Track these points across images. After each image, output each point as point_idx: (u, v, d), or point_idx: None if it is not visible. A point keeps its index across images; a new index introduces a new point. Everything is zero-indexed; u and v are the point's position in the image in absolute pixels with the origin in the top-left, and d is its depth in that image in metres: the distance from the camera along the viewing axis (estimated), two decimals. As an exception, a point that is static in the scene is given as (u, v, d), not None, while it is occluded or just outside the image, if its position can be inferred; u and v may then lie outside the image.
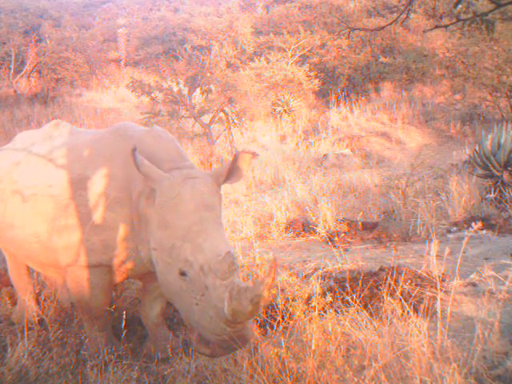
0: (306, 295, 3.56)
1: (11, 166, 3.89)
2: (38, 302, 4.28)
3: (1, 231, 3.92)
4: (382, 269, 4.37)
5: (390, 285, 3.54)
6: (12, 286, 4.69)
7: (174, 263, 2.95)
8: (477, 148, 7.50)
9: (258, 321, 3.55)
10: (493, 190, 6.84)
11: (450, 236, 5.95)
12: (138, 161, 3.04)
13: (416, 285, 3.92)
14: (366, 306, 3.62)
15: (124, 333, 3.48)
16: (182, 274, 2.91)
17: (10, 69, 19.73)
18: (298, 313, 3.23)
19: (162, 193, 3.05)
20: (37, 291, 4.47)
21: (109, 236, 3.33)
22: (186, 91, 13.65)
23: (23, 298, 4.23)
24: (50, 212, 3.50)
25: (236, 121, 14.00)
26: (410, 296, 3.57)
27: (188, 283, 2.90)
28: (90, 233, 3.34)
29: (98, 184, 3.37)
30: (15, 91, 19.02)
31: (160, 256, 3.06)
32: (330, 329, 3.10)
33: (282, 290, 4.06)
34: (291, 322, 3.23)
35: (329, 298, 3.27)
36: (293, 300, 3.46)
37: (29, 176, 3.72)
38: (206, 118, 13.93)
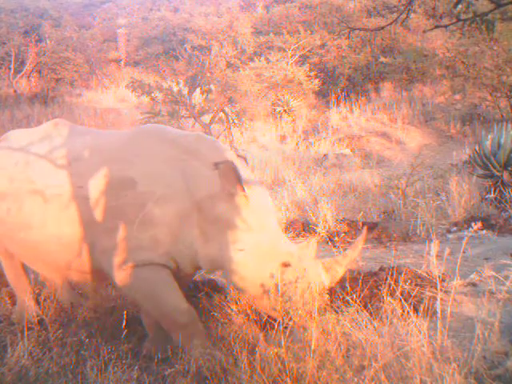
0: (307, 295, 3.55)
1: (23, 165, 3.79)
2: (37, 302, 4.27)
3: (10, 231, 3.82)
4: (382, 269, 4.37)
5: (389, 285, 3.54)
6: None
7: (273, 258, 3.28)
8: (477, 148, 7.50)
9: (258, 321, 3.55)
10: (493, 190, 6.84)
11: (450, 236, 5.95)
12: (240, 173, 3.27)
13: (416, 285, 3.92)
14: (365, 306, 3.61)
15: (124, 333, 3.48)
16: (286, 265, 3.26)
17: (9, 69, 19.74)
18: (298, 313, 3.23)
19: (257, 197, 3.37)
20: (36, 291, 4.47)
21: (158, 232, 3.35)
22: (186, 91, 13.64)
23: (23, 299, 4.22)
24: (84, 214, 3.45)
25: (236, 121, 13.99)
26: (410, 296, 3.57)
27: (289, 272, 3.25)
28: (139, 230, 3.34)
29: (143, 183, 3.40)
30: (15, 91, 19.03)
31: (251, 255, 3.28)
32: (331, 329, 3.10)
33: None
34: (291, 322, 3.23)
35: (327, 297, 3.29)
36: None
37: (50, 176, 3.64)
38: (206, 118, 13.93)
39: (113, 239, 3.38)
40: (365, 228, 3.67)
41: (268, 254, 3.30)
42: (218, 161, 3.36)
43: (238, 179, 3.28)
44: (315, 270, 3.34)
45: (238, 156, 3.64)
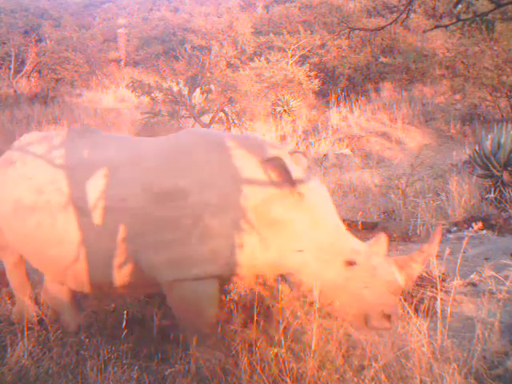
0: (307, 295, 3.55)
1: (54, 176, 3.50)
2: (37, 302, 4.27)
3: (39, 247, 3.53)
4: (382, 269, 4.35)
5: (390, 285, 3.53)
6: (12, 286, 4.69)
7: (336, 257, 3.13)
8: (477, 148, 7.50)
9: (258, 321, 3.55)
10: (493, 190, 6.83)
11: (450, 236, 5.96)
12: (291, 169, 3.11)
13: (416, 285, 3.92)
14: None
15: (124, 333, 3.48)
16: (351, 263, 3.10)
17: (10, 69, 19.73)
18: (298, 313, 3.23)
19: (314, 195, 3.22)
20: (36, 291, 4.46)
21: (217, 244, 3.16)
22: (186, 91, 13.64)
23: (22, 299, 4.20)
24: (126, 227, 3.23)
25: (236, 121, 14.00)
26: (410, 296, 3.57)
27: (356, 271, 3.10)
28: (195, 243, 3.15)
29: (197, 193, 3.19)
30: (15, 91, 19.02)
31: (313, 256, 3.16)
32: (332, 329, 3.10)
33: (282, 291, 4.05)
34: (291, 322, 3.23)
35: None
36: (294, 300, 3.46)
37: (86, 188, 3.37)
38: (206, 118, 13.93)
39: (163, 253, 3.19)
40: (439, 225, 3.54)
41: (329, 253, 3.16)
42: (266, 159, 3.22)
43: (290, 176, 3.13)
44: (387, 269, 3.16)
45: (296, 152, 3.49)
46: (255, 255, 3.22)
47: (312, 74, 17.40)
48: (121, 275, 3.38)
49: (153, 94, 13.49)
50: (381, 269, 3.13)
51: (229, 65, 18.95)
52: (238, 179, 3.21)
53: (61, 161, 3.56)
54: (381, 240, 3.24)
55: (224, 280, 3.39)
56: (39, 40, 22.75)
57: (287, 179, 3.15)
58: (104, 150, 3.55)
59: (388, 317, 3.11)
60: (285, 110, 16.17)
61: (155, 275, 3.28)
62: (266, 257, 3.23)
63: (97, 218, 3.29)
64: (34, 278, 4.56)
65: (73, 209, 3.36)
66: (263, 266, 3.30)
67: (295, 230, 3.17)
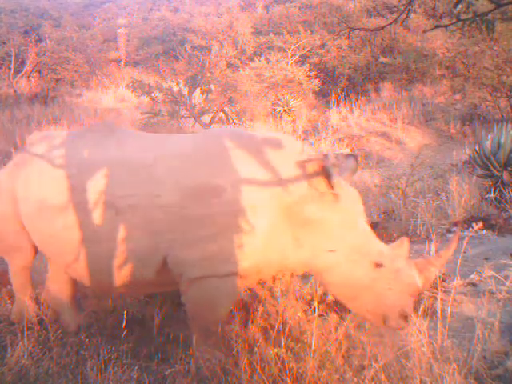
0: (308, 296, 3.56)
1: (84, 174, 3.46)
2: (37, 303, 4.27)
3: (69, 247, 3.48)
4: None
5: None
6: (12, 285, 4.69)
7: (364, 258, 3.21)
8: (477, 148, 7.50)
9: (257, 322, 3.55)
10: (493, 190, 6.83)
11: (450, 236, 5.95)
12: (332, 171, 3.17)
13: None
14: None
15: (124, 333, 3.48)
16: (378, 265, 3.19)
17: (10, 69, 19.73)
18: (299, 314, 3.23)
19: (347, 196, 3.29)
20: (37, 291, 4.46)
21: (250, 242, 3.19)
22: (186, 91, 13.65)
23: (22, 299, 4.19)
24: (161, 224, 3.23)
25: (236, 121, 14.00)
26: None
27: (382, 272, 3.18)
28: (229, 241, 3.18)
29: (232, 191, 3.20)
30: (15, 91, 19.02)
31: (343, 256, 3.22)
32: (333, 330, 3.10)
33: (282, 291, 4.05)
34: (292, 322, 3.23)
35: (330, 298, 3.27)
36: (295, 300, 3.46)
37: (120, 185, 3.36)
38: (206, 118, 13.93)
39: (195, 250, 3.21)
40: (458, 231, 3.59)
41: (359, 254, 3.23)
42: (303, 160, 3.30)
43: (330, 178, 3.18)
44: (408, 271, 3.23)
45: (349, 155, 3.56)
46: (287, 254, 3.29)
47: (312, 74, 17.40)
48: (149, 272, 3.37)
49: (153, 94, 13.50)
50: (403, 271, 3.22)
51: (229, 65, 18.95)
52: (272, 179, 3.26)
53: (89, 159, 3.54)
54: (403, 243, 3.33)
55: (251, 279, 3.42)
56: (39, 40, 22.77)
57: (324, 180, 3.22)
58: (131, 148, 3.55)
59: (405, 317, 3.18)
60: (285, 110, 16.16)
61: (182, 271, 3.28)
62: (299, 256, 3.30)
63: (130, 215, 3.29)
64: (34, 277, 4.56)
65: (105, 207, 3.34)
66: (294, 265, 3.36)
67: (329, 229, 3.25)
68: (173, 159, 3.39)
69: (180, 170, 3.32)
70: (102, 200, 3.36)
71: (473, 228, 3.96)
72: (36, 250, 3.97)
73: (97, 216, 3.36)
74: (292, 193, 3.24)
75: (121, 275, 3.44)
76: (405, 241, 3.34)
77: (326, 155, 3.29)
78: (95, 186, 3.39)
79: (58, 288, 4.10)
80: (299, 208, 3.23)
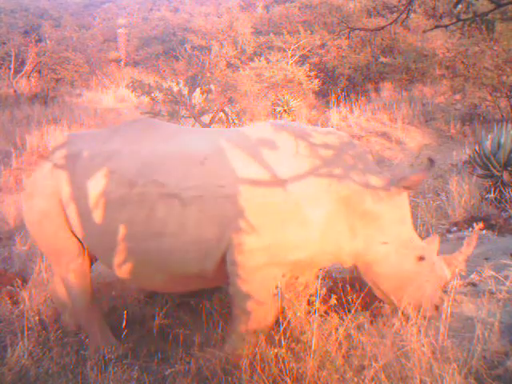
0: (308, 296, 3.55)
1: (144, 168, 3.46)
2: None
3: (128, 242, 3.44)
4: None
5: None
6: (12, 285, 4.69)
7: (411, 252, 3.39)
8: (477, 148, 7.49)
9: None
10: (493, 190, 6.83)
11: (450, 236, 5.95)
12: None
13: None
14: (366, 306, 3.62)
15: (124, 333, 3.48)
16: (421, 258, 3.38)
17: (10, 69, 19.72)
18: (298, 313, 3.23)
19: (403, 193, 3.46)
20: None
21: (310, 232, 3.29)
22: (186, 91, 13.63)
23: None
24: (226, 215, 3.26)
25: (236, 121, 13.99)
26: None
27: (423, 266, 3.38)
28: (291, 230, 3.26)
29: (292, 181, 3.30)
30: (15, 91, 19.01)
31: (394, 248, 3.39)
32: (333, 331, 3.09)
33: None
34: (292, 322, 3.23)
35: (333, 301, 3.25)
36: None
37: (183, 177, 3.37)
38: (206, 118, 13.92)
39: (257, 239, 3.25)
40: (477, 231, 3.84)
41: (407, 248, 3.41)
42: (356, 155, 3.47)
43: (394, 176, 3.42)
44: (440, 265, 3.45)
45: (430, 160, 3.65)
46: (342, 244, 3.39)
47: (312, 74, 17.40)
48: (211, 264, 3.38)
49: (153, 94, 13.48)
50: (437, 265, 3.44)
51: (229, 65, 18.94)
52: (330, 171, 3.37)
53: (145, 152, 3.54)
54: (435, 240, 3.55)
55: (308, 270, 3.54)
56: (39, 40, 22.76)
57: (386, 176, 3.45)
58: (185, 141, 3.59)
59: (437, 308, 3.37)
60: (285, 110, 16.16)
61: (245, 260, 3.28)
62: (353, 246, 3.40)
63: (195, 206, 3.31)
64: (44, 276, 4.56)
65: (170, 199, 3.34)
66: (347, 256, 3.46)
67: (384, 223, 3.40)
68: (231, 151, 3.43)
69: (239, 161, 3.37)
70: (166, 192, 3.35)
71: (473, 228, 3.99)
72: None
73: (161, 209, 3.34)
74: (351, 184, 3.36)
75: (179, 270, 3.44)
76: (436, 238, 3.56)
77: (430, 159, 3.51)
78: (156, 179, 3.39)
79: (63, 289, 4.01)
80: (357, 199, 3.36)
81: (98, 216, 3.51)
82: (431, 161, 3.52)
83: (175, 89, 13.66)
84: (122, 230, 3.43)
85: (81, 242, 3.85)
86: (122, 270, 3.62)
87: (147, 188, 3.38)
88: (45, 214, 3.79)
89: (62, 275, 3.94)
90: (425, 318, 3.21)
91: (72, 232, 3.80)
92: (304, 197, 3.28)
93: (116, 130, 3.88)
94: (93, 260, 4.04)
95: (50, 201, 3.76)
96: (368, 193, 3.38)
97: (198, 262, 3.38)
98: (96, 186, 3.53)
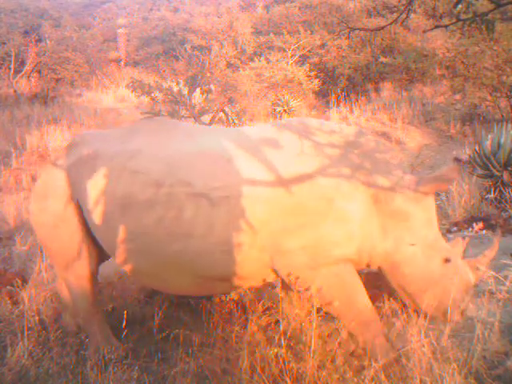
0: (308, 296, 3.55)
1: (171, 168, 3.36)
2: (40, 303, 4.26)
3: (155, 244, 3.32)
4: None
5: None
6: (12, 285, 4.69)
7: (437, 254, 3.36)
8: (477, 148, 7.49)
9: (258, 322, 3.55)
10: (493, 190, 6.83)
11: (450, 236, 5.95)
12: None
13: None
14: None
15: (124, 333, 3.48)
16: (447, 260, 3.34)
17: (10, 69, 19.72)
18: (297, 310, 3.22)
19: (431, 195, 3.44)
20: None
21: (351, 227, 3.26)
22: (186, 91, 13.63)
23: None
24: (256, 214, 3.19)
25: (236, 121, 13.98)
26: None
27: (450, 268, 3.34)
28: (330, 226, 3.22)
29: (321, 177, 3.27)
30: (15, 91, 19.01)
31: (421, 250, 3.35)
32: (333, 331, 3.09)
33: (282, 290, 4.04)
34: (292, 322, 3.23)
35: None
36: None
37: (210, 176, 3.29)
38: (206, 118, 13.91)
39: (297, 238, 3.21)
40: (499, 233, 3.90)
41: (433, 249, 3.38)
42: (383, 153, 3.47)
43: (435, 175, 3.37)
44: (464, 268, 3.43)
45: (456, 159, 3.72)
46: (375, 243, 3.35)
47: (312, 73, 17.40)
48: (242, 267, 3.31)
49: (153, 94, 13.47)
50: (461, 268, 3.42)
51: (229, 65, 18.94)
52: (356, 167, 3.35)
53: (168, 152, 3.46)
54: (459, 243, 3.53)
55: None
56: (39, 40, 22.76)
57: (418, 177, 3.41)
58: (206, 140, 3.53)
59: (462, 311, 3.35)
60: (285, 110, 16.15)
61: (286, 262, 3.26)
62: (384, 246, 3.36)
63: (227, 207, 3.22)
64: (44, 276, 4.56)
65: (198, 199, 3.25)
66: (377, 255, 3.40)
67: (413, 224, 3.36)
68: (254, 149, 3.39)
69: (265, 160, 3.33)
70: (194, 192, 3.26)
71: (473, 228, 3.99)
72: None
73: (189, 210, 3.25)
74: (378, 182, 3.34)
75: (206, 273, 3.36)
76: (460, 240, 3.54)
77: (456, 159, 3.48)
78: (183, 179, 3.30)
79: (66, 290, 3.97)
80: (386, 198, 3.34)
81: (123, 218, 3.38)
82: (457, 160, 3.55)
83: (175, 89, 13.65)
84: (149, 232, 3.31)
85: (94, 245, 3.75)
86: (148, 274, 3.52)
87: (175, 188, 3.28)
88: (60, 217, 3.67)
89: (66, 277, 3.88)
90: (451, 321, 3.24)
91: (86, 235, 3.70)
92: (338, 193, 3.25)
93: (133, 130, 3.79)
94: (100, 262, 4.00)
95: (65, 203, 3.66)
96: (400, 192, 3.36)
97: (225, 265, 3.30)
98: (119, 186, 3.41)
